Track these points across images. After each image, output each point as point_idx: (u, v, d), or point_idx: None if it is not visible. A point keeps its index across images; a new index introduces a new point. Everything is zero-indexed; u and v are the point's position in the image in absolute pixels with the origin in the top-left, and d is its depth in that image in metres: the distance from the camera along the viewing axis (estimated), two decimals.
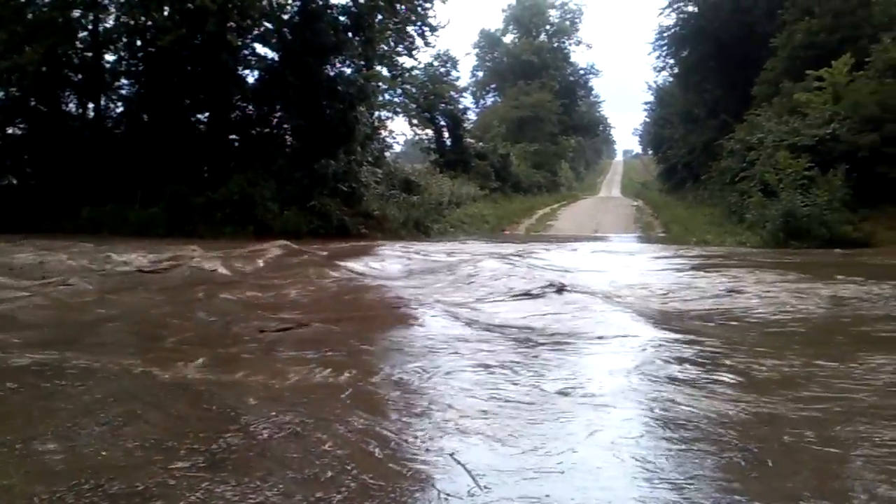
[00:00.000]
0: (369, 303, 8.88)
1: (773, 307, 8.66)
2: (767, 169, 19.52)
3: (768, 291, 9.85)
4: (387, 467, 3.67)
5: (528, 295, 9.42)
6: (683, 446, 4.15)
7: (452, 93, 36.41)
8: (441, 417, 4.52)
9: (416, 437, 4.12)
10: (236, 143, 22.41)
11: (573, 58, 65.93)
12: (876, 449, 4.08)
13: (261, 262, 12.53)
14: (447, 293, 9.89)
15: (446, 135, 36.21)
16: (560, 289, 9.66)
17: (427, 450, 3.94)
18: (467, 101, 44.92)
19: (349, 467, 3.63)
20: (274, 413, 4.44)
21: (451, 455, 3.82)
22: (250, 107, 22.78)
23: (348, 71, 22.56)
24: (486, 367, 5.93)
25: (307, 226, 19.45)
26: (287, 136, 22.94)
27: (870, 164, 18.58)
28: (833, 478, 3.69)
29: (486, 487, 3.45)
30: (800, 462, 3.88)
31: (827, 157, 18.77)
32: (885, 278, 10.68)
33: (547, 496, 3.38)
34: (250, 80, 22.82)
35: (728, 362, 6.10)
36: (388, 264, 13.38)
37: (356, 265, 12.73)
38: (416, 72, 30.79)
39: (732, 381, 5.50)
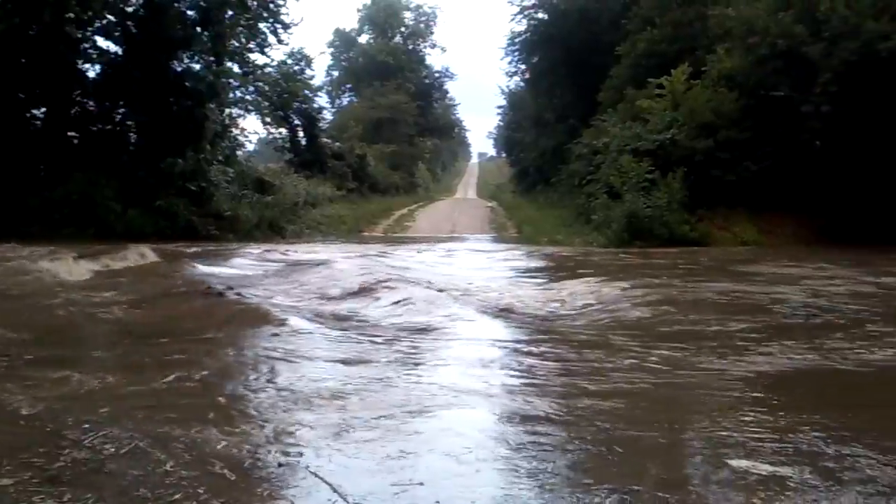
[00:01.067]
0: (215, 306, 8.52)
1: (613, 305, 9.00)
2: (612, 172, 20.33)
3: (605, 290, 10.24)
4: (240, 488, 3.47)
5: (382, 294, 9.36)
6: (535, 440, 4.20)
7: (307, 91, 35.83)
8: (295, 428, 4.36)
9: (268, 451, 3.92)
10: (76, 141, 21.11)
11: (428, 60, 66.55)
12: (713, 434, 4.28)
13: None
14: (300, 295, 9.67)
15: (301, 134, 35.64)
16: (406, 286, 9.67)
17: (280, 464, 3.75)
18: (322, 100, 44.43)
19: (199, 490, 3.40)
20: (113, 429, 4.12)
21: (308, 468, 3.66)
22: (91, 102, 21.54)
23: (197, 67, 21.78)
24: (340, 369, 5.81)
25: (152, 227, 18.61)
26: (131, 134, 21.89)
27: (705, 167, 19.74)
28: (666, 463, 3.82)
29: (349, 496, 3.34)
30: (643, 450, 4.00)
31: (666, 161, 19.78)
32: (699, 276, 11.37)
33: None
34: (91, 74, 21.59)
35: (570, 356, 6.28)
36: (239, 265, 13.00)
37: (204, 267, 12.28)
38: (268, 69, 30.06)
39: (576, 372, 5.65)
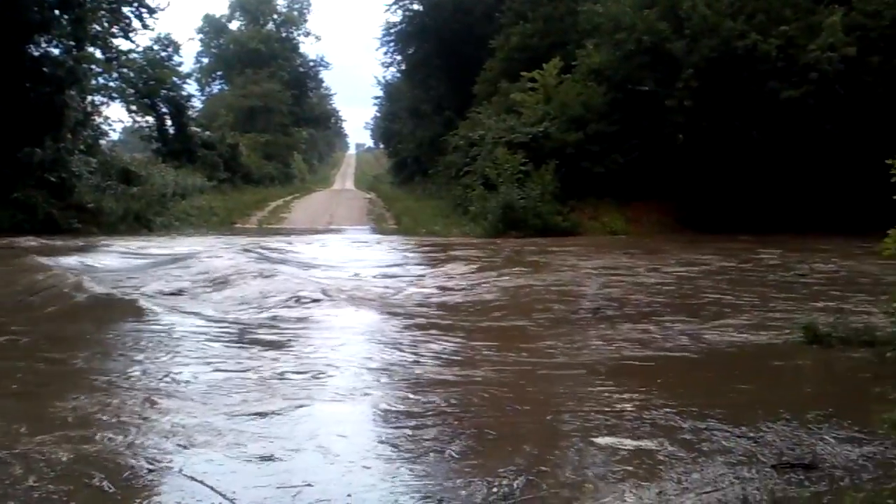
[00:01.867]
0: (76, 302, 8.12)
1: (486, 294, 9.20)
2: (488, 164, 20.63)
3: (482, 279, 10.44)
4: (114, 499, 3.31)
5: (250, 286, 9.20)
6: (414, 431, 4.22)
7: (175, 79, 34.47)
8: (166, 428, 4.21)
9: (141, 457, 3.76)
10: None
11: (302, 49, 65.31)
12: (576, 405, 4.44)
13: None
14: (169, 289, 9.36)
15: (169, 122, 34.27)
16: (276, 277, 9.53)
17: (152, 470, 3.61)
18: (192, 87, 42.74)
19: None
20: None
21: (181, 471, 3.54)
22: None
23: (56, 51, 20.55)
24: (212, 364, 5.67)
25: (9, 221, 17.52)
26: None
27: (576, 159, 20.38)
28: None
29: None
30: (518, 432, 4.09)
31: (539, 153, 20.28)
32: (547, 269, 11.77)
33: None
34: None
35: (446, 345, 6.37)
36: (103, 260, 12.44)
37: (67, 261, 11.67)
38: (133, 55, 28.75)
39: (456, 360, 5.73)
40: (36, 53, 20.07)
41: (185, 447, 3.90)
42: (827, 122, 18.21)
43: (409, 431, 4.25)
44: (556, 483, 3.55)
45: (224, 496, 3.26)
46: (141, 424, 4.26)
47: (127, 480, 3.47)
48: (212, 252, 13.12)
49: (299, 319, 7.49)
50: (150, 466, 3.64)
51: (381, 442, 4.12)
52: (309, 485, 3.44)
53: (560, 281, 10.46)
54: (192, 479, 3.45)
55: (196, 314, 7.72)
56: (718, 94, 18.87)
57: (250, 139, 43.45)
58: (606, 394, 5.07)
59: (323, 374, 5.47)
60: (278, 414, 4.51)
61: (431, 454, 3.92)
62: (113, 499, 3.29)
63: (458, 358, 6.07)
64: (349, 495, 3.35)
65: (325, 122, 69.80)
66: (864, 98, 18.26)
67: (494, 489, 3.41)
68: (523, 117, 22.06)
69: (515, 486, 3.45)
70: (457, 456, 3.92)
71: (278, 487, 3.40)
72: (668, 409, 4.69)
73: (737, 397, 5.19)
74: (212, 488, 3.34)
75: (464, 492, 3.40)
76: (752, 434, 4.28)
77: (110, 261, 12.48)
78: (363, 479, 3.58)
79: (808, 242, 15.52)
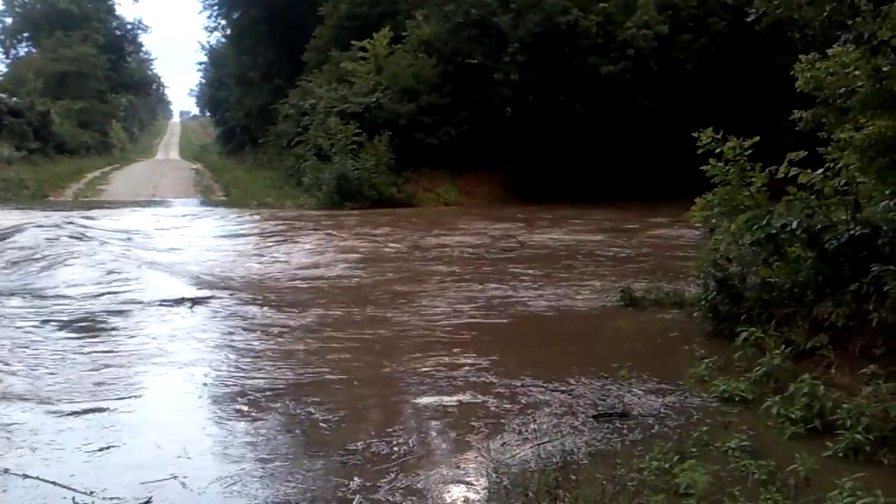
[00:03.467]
0: None
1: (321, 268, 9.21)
2: (320, 134, 20.39)
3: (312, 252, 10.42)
4: None
5: (78, 267, 8.76)
6: (254, 408, 4.21)
7: None
8: None
9: None
10: None
11: (118, 10, 61.44)
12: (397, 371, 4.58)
13: None
14: None
15: None
16: (94, 257, 9.15)
17: None
18: None
19: None
20: None
21: (27, 475, 3.33)
22: None
23: None
24: (22, 353, 5.35)
25: None
26: None
27: (409, 131, 20.53)
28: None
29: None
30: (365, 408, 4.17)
31: (373, 124, 20.27)
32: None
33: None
34: None
35: (265, 317, 6.35)
36: None
37: None
38: None
39: (276, 334, 5.72)
40: None
41: (18, 448, 3.71)
42: (644, 96, 19.38)
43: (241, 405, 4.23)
44: (401, 444, 3.66)
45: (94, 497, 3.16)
46: None
47: None
48: (29, 228, 12.22)
49: (128, 301, 7.17)
50: None
51: (226, 429, 4.08)
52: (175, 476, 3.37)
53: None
54: (45, 480, 3.29)
55: (9, 294, 7.25)
56: (544, 69, 19.59)
57: (63, 106, 40.52)
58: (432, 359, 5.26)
59: (173, 349, 5.32)
60: (114, 405, 4.36)
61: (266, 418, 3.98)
62: None
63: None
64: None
65: (145, 89, 66.26)
66: (675, 74, 19.56)
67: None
68: (355, 87, 21.91)
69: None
70: (295, 432, 3.95)
71: (143, 483, 3.31)
72: (486, 370, 4.97)
73: (551, 357, 5.54)
74: (69, 488, 3.22)
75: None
76: (566, 389, 4.64)
77: None
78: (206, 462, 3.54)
79: (631, 209, 16.51)
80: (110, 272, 8.33)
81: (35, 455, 3.55)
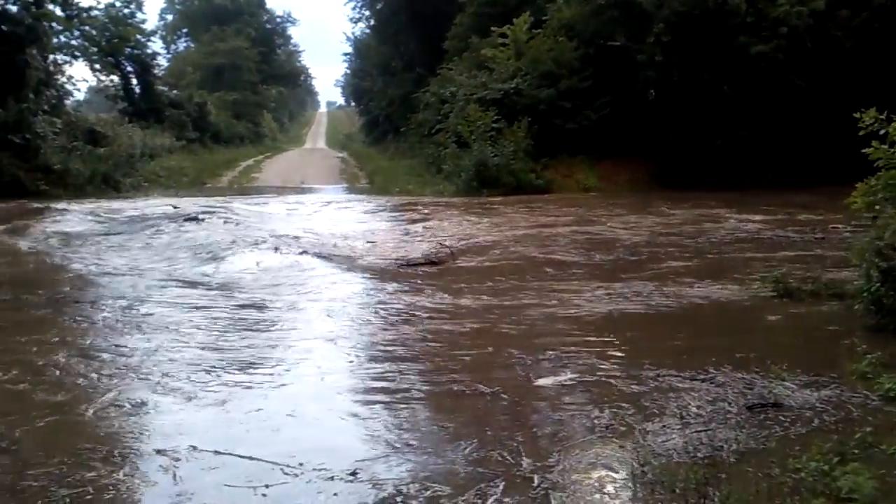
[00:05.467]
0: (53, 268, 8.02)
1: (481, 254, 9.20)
2: (460, 121, 20.48)
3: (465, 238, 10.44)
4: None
5: (238, 251, 9.15)
6: (387, 394, 4.24)
7: (139, 36, 33.69)
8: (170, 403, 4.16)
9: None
10: None
11: (269, 4, 64.06)
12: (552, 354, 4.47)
13: None
14: (146, 255, 9.27)
15: (135, 82, 33.59)
16: (272, 244, 9.48)
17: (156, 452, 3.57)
18: (157, 45, 41.86)
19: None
20: None
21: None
22: None
23: (14, 9, 19.96)
24: (203, 327, 5.62)
25: None
26: None
27: (548, 116, 20.28)
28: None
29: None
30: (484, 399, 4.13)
31: (512, 110, 20.17)
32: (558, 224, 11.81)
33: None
34: None
35: (428, 301, 6.37)
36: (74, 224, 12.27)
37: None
38: (95, 12, 28.07)
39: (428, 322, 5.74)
40: None
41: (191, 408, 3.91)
42: (797, 76, 18.29)
43: (395, 396, 4.27)
44: (540, 428, 3.59)
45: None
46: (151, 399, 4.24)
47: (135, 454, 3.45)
48: (203, 215, 12.90)
49: (290, 285, 7.38)
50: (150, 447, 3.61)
51: (372, 401, 4.13)
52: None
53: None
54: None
55: (187, 282, 7.66)
56: (689, 49, 18.83)
57: (218, 98, 42.75)
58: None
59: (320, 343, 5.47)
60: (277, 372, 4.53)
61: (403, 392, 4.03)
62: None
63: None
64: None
65: (294, 80, 68.81)
66: (833, 52, 18.34)
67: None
68: (495, 73, 21.86)
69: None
70: (433, 411, 3.95)
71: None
72: (626, 359, 4.79)
73: (696, 347, 5.29)
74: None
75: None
76: (709, 378, 4.42)
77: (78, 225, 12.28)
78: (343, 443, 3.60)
79: (783, 197, 15.66)
80: (272, 254, 8.66)
81: (213, 430, 3.66)
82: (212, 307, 6.40)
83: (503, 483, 3.07)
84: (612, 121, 20.17)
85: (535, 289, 7.08)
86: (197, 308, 6.37)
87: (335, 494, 2.97)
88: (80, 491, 2.93)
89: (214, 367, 4.64)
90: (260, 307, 6.34)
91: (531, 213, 13.92)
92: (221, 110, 41.89)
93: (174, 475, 3.11)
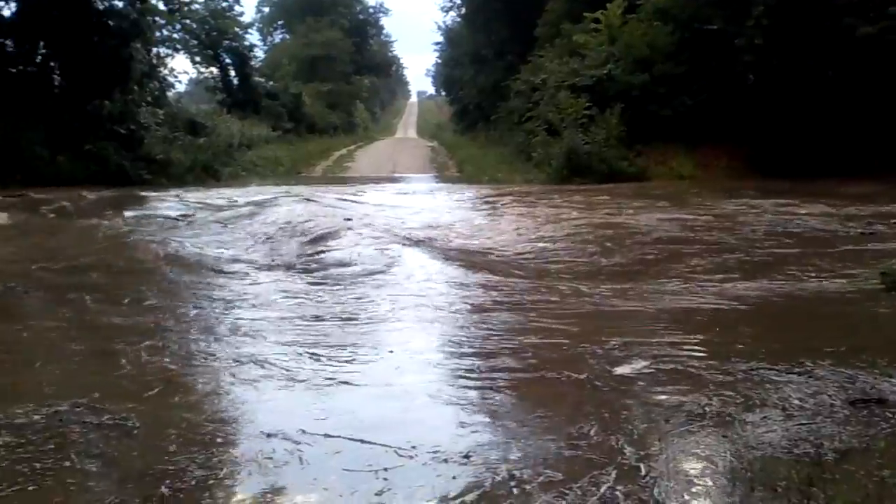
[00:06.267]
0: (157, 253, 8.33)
1: (564, 244, 9.10)
2: (551, 109, 20.29)
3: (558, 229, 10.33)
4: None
5: (331, 236, 9.30)
6: (483, 379, 4.24)
7: (237, 29, 34.70)
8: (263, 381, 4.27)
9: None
10: None
11: None
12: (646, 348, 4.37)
13: None
14: (248, 238, 9.54)
15: (233, 73, 34.63)
16: (366, 232, 9.60)
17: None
18: (254, 37, 43.12)
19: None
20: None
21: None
22: (9, 42, 20.46)
23: (120, 4, 20.81)
24: (302, 311, 5.73)
25: (83, 172, 18.00)
26: (54, 76, 20.92)
27: (642, 102, 19.86)
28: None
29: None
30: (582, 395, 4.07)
31: (604, 97, 19.83)
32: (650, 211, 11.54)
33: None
34: (6, 13, 20.50)
35: (524, 297, 6.32)
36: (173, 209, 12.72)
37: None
38: (195, 6, 29.05)
39: (529, 308, 5.70)
40: (101, 6, 20.36)
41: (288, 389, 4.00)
42: None
43: (484, 382, 4.27)
44: (630, 422, 3.52)
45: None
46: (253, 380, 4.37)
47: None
48: (295, 202, 13.19)
49: (387, 272, 7.47)
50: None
51: (463, 388, 4.16)
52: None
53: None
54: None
55: (286, 261, 7.85)
56: (791, 32, 18.05)
57: (313, 89, 43.60)
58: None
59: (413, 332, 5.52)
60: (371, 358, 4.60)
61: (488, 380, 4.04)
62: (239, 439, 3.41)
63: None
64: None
65: (386, 70, 69.64)
66: None
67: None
68: (587, 60, 21.55)
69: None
70: (527, 403, 3.92)
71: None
72: (724, 352, 4.63)
73: (793, 341, 5.07)
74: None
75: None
76: (805, 371, 4.23)
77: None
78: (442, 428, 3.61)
79: (890, 184, 14.90)
80: (367, 242, 8.77)
81: (318, 414, 3.73)
82: (310, 291, 6.52)
83: (614, 471, 3.02)
84: (708, 106, 19.59)
85: (618, 280, 6.94)
86: (296, 292, 6.50)
87: (454, 478, 2.98)
88: (212, 473, 3.02)
89: (316, 351, 4.72)
90: (358, 293, 6.42)
91: (624, 199, 13.63)
92: (316, 101, 42.72)
93: (300, 458, 3.16)
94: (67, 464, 3.05)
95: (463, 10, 41.97)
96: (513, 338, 5.03)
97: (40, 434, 3.33)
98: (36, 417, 3.52)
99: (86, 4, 19.70)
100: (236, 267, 7.62)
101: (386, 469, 3.03)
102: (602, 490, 2.88)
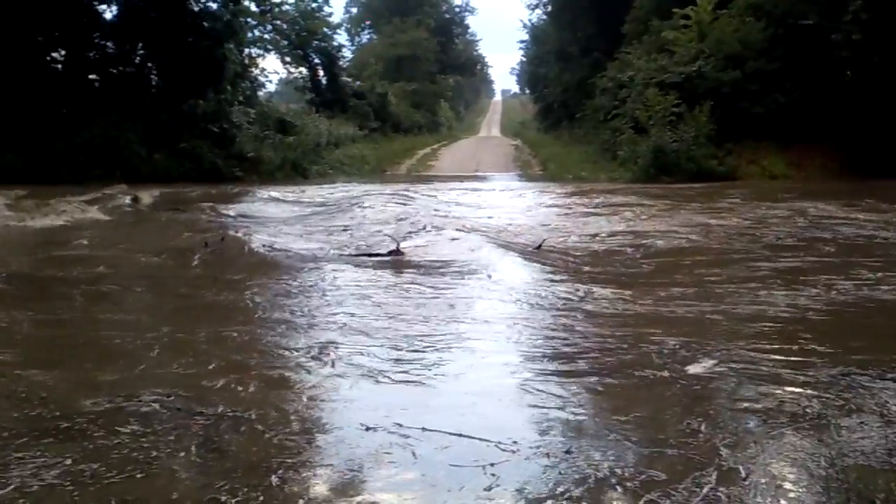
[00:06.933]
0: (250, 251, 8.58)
1: (652, 240, 8.97)
2: (638, 106, 20.01)
3: (637, 226, 10.19)
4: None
5: (420, 234, 9.39)
6: (568, 377, 4.23)
7: (326, 29, 35.36)
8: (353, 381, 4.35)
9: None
10: (96, 84, 21.08)
11: None
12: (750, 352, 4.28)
13: None
14: (334, 234, 9.72)
15: (321, 73, 35.31)
16: (451, 230, 9.68)
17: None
18: (342, 38, 43.76)
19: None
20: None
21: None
22: (110, 44, 21.46)
23: (214, 5, 21.55)
24: (387, 314, 5.80)
25: (178, 169, 18.73)
26: (152, 76, 21.81)
27: (732, 100, 19.36)
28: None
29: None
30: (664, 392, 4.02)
31: (693, 94, 19.42)
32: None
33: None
34: (108, 15, 21.47)
35: (615, 293, 6.26)
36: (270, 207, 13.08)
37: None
38: (286, 7, 29.76)
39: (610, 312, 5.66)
40: (195, 8, 21.11)
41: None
42: None
43: (567, 377, 4.26)
44: (723, 426, 3.47)
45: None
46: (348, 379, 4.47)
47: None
48: (382, 199, 13.38)
49: (475, 267, 7.50)
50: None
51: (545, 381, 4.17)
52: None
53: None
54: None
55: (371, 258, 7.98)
56: (891, 26, 17.29)
57: (398, 88, 44.04)
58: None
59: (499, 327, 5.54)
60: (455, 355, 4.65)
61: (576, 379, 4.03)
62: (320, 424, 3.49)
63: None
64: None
65: (470, 69, 69.68)
66: None
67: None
68: (676, 56, 21.15)
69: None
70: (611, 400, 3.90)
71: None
72: (811, 356, 4.49)
73: (887, 348, 4.85)
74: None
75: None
76: None
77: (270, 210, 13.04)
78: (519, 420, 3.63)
79: None
80: (454, 239, 8.83)
81: (412, 408, 3.77)
82: (400, 287, 6.61)
83: (715, 473, 2.98)
84: (802, 104, 18.97)
85: (699, 282, 6.79)
86: (386, 287, 6.60)
87: (560, 473, 2.99)
88: (314, 465, 3.10)
89: (405, 346, 4.78)
90: (447, 290, 6.47)
91: (717, 201, 13.31)
92: (401, 100, 43.15)
93: (413, 453, 3.20)
94: (182, 454, 3.17)
95: (549, 8, 41.76)
96: (593, 337, 5.00)
97: (165, 424, 3.46)
98: (156, 406, 3.67)
99: (181, 6, 20.45)
100: (328, 262, 7.76)
101: (492, 464, 3.05)
102: (704, 491, 2.84)
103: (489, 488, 2.86)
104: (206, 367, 4.31)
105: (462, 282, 6.81)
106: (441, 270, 7.28)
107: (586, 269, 7.46)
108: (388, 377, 4.19)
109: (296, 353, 4.66)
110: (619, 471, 3.00)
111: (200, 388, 3.94)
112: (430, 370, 4.34)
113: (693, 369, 4.29)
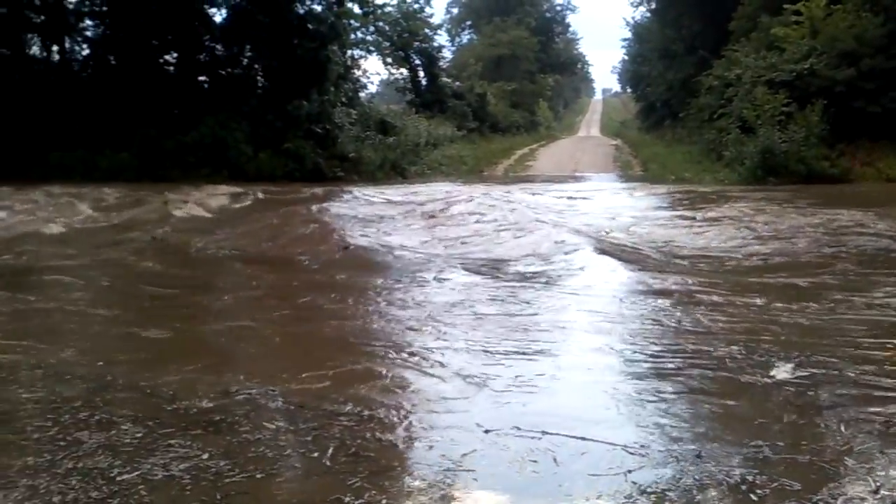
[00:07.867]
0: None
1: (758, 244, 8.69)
2: (745, 105, 19.37)
3: (749, 229, 9.87)
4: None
5: (518, 236, 9.37)
6: (675, 382, 4.15)
7: (427, 30, 35.69)
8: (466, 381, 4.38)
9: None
10: (206, 85, 21.95)
11: None
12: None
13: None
14: (434, 236, 9.80)
15: (421, 74, 35.64)
16: (547, 231, 9.62)
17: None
18: (442, 38, 44.11)
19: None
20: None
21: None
22: (219, 47, 22.26)
23: (319, 8, 22.07)
24: (488, 313, 5.82)
25: (282, 169, 19.26)
26: (258, 77, 22.52)
27: (847, 99, 18.47)
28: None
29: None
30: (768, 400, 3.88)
31: (804, 93, 18.63)
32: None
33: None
34: (218, 19, 22.29)
35: (707, 299, 6.09)
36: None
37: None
38: (388, 8, 30.22)
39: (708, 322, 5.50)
40: (301, 11, 21.64)
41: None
42: None
43: (662, 385, 4.17)
44: (817, 440, 3.33)
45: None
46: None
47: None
48: (480, 200, 13.43)
49: (574, 272, 7.42)
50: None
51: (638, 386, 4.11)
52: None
53: None
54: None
55: (470, 258, 8.01)
56: None
57: (497, 88, 43.96)
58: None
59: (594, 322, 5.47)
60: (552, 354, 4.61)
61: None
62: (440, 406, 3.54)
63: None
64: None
65: (570, 68, 68.92)
66: None
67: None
68: (786, 54, 20.35)
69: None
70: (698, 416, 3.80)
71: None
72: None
73: None
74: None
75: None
76: None
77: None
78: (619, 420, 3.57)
79: None
80: (549, 241, 8.78)
81: (526, 413, 3.77)
82: (499, 290, 6.61)
83: (848, 483, 2.91)
84: None
85: (791, 287, 6.52)
86: (486, 290, 6.61)
87: (696, 479, 2.97)
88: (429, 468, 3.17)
89: (507, 350, 4.79)
90: (547, 294, 6.43)
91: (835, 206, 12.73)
92: (500, 100, 43.07)
93: (554, 459, 3.21)
94: (302, 450, 3.29)
95: (653, 5, 40.93)
96: (697, 341, 4.88)
97: (308, 423, 3.59)
98: (281, 404, 3.84)
99: (287, 9, 21.01)
100: (429, 264, 7.82)
101: (630, 471, 3.03)
102: (838, 502, 2.79)
103: (629, 496, 2.87)
104: (328, 369, 4.41)
105: (568, 284, 6.79)
106: (548, 274, 7.26)
107: (692, 272, 7.28)
108: (496, 381, 4.20)
109: (402, 354, 4.71)
110: (749, 477, 2.97)
111: (328, 388, 4.05)
112: (535, 373, 4.34)
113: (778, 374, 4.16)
